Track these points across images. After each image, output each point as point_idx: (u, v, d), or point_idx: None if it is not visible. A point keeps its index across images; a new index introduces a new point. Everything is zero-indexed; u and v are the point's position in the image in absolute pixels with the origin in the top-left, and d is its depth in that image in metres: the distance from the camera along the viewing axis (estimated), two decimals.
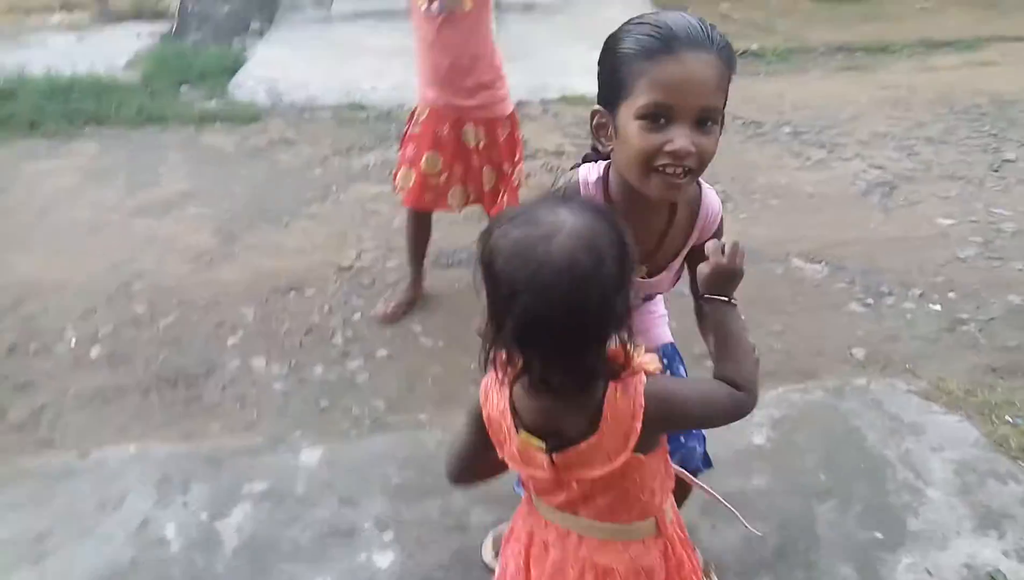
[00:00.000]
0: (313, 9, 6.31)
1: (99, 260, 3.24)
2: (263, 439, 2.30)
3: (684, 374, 1.59)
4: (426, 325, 2.82)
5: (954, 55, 5.51)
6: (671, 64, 1.09)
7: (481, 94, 2.55)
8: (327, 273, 3.13)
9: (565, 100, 4.73)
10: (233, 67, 5.31)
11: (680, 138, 1.10)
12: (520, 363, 1.01)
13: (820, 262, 3.15)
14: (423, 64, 2.55)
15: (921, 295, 2.94)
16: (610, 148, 1.22)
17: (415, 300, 2.89)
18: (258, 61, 5.42)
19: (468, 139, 2.60)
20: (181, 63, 5.31)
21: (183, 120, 4.61)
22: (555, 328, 0.95)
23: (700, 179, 1.27)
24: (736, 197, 3.62)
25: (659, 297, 1.57)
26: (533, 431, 1.07)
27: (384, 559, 1.91)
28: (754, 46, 5.57)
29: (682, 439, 1.53)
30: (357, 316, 2.87)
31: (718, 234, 1.33)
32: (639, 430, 1.03)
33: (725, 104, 1.14)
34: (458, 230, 3.17)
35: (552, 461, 1.07)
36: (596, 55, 1.20)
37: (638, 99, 1.11)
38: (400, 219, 3.10)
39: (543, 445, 1.06)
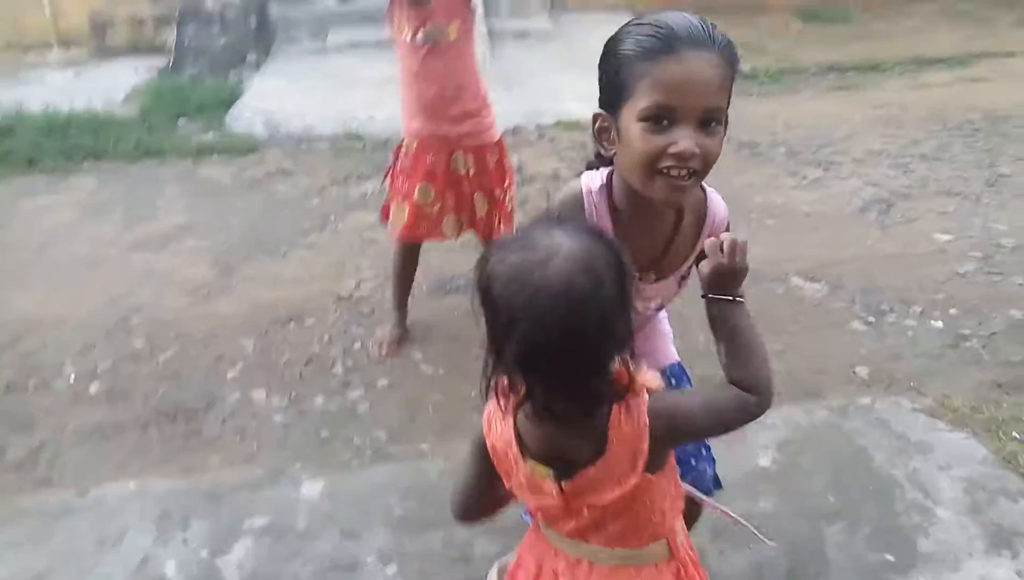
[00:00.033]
0: (309, 41, 6.36)
1: (97, 295, 3.24)
2: (263, 472, 2.28)
3: None
4: (426, 353, 2.81)
5: (945, 72, 5.57)
6: (673, 64, 1.07)
7: (468, 122, 2.57)
8: (326, 303, 3.12)
9: (560, 125, 4.76)
10: (230, 100, 5.34)
11: (684, 139, 1.08)
12: (523, 390, 1.00)
13: (819, 281, 3.14)
14: (409, 95, 2.57)
15: (922, 312, 2.93)
16: (613, 152, 1.20)
17: (407, 333, 2.88)
18: (255, 93, 5.46)
19: (458, 167, 2.61)
20: (178, 97, 5.35)
21: (180, 153, 4.63)
22: (556, 353, 0.94)
23: (705, 184, 1.25)
24: (732, 217, 3.55)
25: (664, 315, 1.55)
26: (539, 459, 1.05)
27: None
28: (746, 67, 5.61)
29: (693, 462, 1.51)
30: (357, 345, 2.86)
31: None
32: (647, 451, 1.02)
33: (729, 104, 1.12)
34: (455, 257, 3.17)
35: (561, 488, 1.05)
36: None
37: (640, 101, 1.09)
38: None
39: (551, 473, 1.05)
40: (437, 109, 2.53)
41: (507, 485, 1.11)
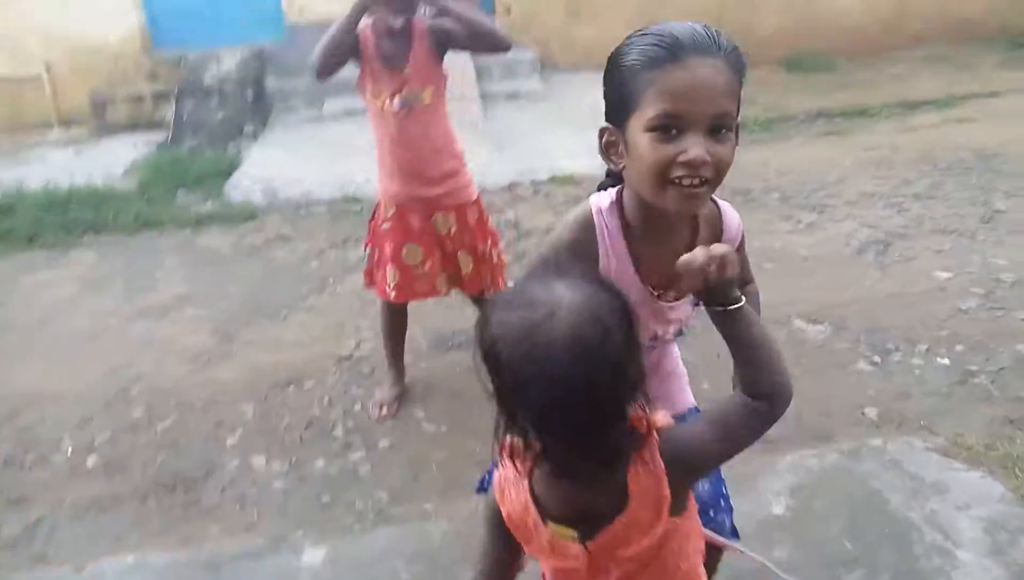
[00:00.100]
0: (305, 109, 6.48)
1: (97, 367, 3.22)
2: (264, 540, 2.22)
3: None
4: (428, 410, 2.77)
5: (933, 113, 5.64)
6: (678, 72, 1.06)
7: (447, 182, 2.59)
8: (326, 364, 3.10)
9: (554, 180, 4.79)
10: (228, 170, 5.40)
11: (694, 147, 1.06)
12: (539, 450, 0.95)
13: (822, 322, 3.12)
14: (386, 159, 2.59)
15: (928, 350, 2.90)
16: (622, 166, 1.18)
17: (405, 391, 2.85)
18: (253, 162, 5.53)
19: (439, 227, 2.62)
20: (177, 169, 5.42)
21: (179, 224, 4.67)
22: (574, 409, 0.90)
23: (717, 198, 1.23)
24: None
25: (677, 353, 1.52)
26: (560, 520, 1.01)
27: None
28: None
29: (711, 513, 1.46)
30: (358, 406, 2.83)
31: (740, 249, 1.30)
32: (668, 495, 0.98)
33: (739, 111, 1.10)
34: (454, 313, 3.16)
35: (587, 548, 1.00)
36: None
37: (647, 111, 1.08)
38: None
39: (575, 534, 1.00)
40: (415, 172, 2.55)
41: (527, 551, 1.07)
